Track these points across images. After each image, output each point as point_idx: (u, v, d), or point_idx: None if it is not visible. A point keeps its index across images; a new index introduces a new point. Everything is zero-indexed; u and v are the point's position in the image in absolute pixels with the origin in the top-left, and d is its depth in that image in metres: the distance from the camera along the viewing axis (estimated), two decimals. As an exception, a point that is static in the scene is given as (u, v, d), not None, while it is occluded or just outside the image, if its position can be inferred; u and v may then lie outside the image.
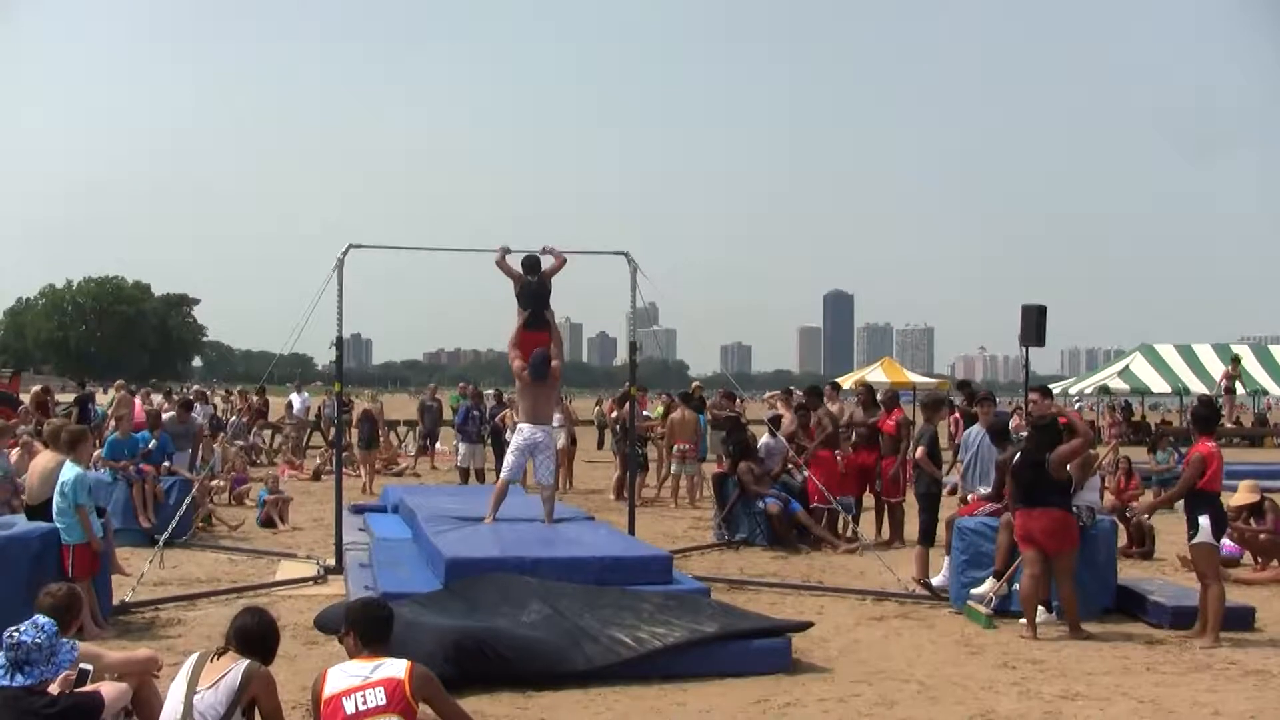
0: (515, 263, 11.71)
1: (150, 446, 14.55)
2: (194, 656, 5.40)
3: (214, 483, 17.20)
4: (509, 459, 11.72)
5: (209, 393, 33.79)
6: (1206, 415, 9.81)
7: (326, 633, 8.52)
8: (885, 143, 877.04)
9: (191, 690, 5.16)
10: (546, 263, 11.63)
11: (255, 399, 28.56)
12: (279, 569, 11.99)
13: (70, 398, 22.15)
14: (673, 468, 18.90)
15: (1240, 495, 13.06)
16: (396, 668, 5.16)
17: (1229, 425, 34.43)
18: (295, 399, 27.46)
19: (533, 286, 11.54)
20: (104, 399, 26.97)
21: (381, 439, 23.51)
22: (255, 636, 5.39)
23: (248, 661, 5.25)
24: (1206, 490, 9.12)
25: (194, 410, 18.82)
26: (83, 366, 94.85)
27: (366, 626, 5.38)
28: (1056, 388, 33.07)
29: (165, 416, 16.58)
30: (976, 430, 11.61)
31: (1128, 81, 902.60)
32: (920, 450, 11.91)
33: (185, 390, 37.39)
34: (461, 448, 20.68)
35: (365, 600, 6.09)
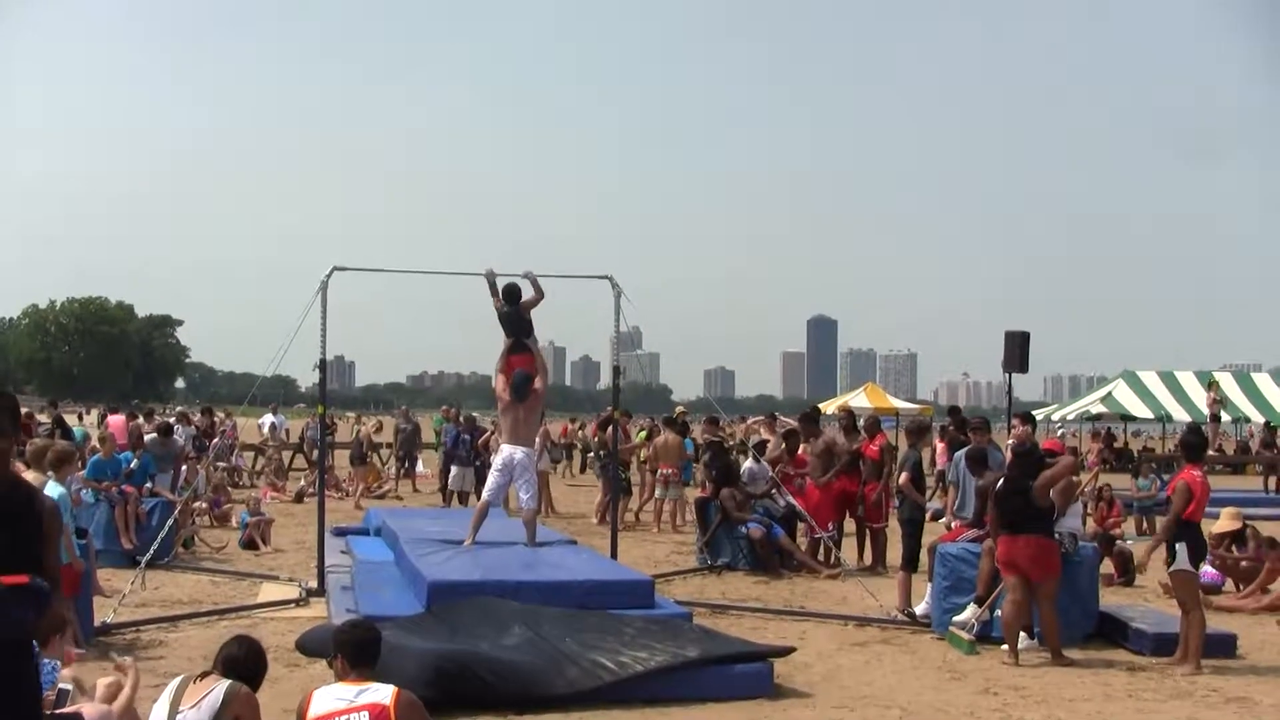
0: (500, 284, 11.79)
1: (132, 467, 14.51)
2: (177, 679, 5.39)
3: (196, 504, 17.12)
4: (490, 480, 11.75)
5: (191, 414, 33.55)
6: (1195, 443, 9.80)
7: (308, 655, 8.51)
8: (876, 154, 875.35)
9: (174, 711, 5.14)
10: (526, 292, 11.70)
11: (199, 419, 26.56)
12: (261, 591, 11.95)
13: (47, 418, 22.03)
14: (658, 491, 18.90)
15: (1222, 522, 13.15)
16: (383, 693, 5.13)
17: (1212, 452, 34.56)
18: (273, 420, 27.85)
19: (511, 315, 11.67)
20: (89, 419, 26.87)
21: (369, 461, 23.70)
22: (243, 665, 5.38)
23: (230, 681, 5.23)
24: (1187, 519, 9.16)
25: (176, 432, 18.77)
26: (65, 387, 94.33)
27: (353, 649, 5.36)
28: (1040, 414, 33.12)
29: (147, 438, 16.52)
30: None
31: (1127, 83, 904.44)
32: (904, 476, 11.93)
33: (166, 412, 37.09)
34: (453, 470, 20.84)
35: (354, 622, 6.06)
